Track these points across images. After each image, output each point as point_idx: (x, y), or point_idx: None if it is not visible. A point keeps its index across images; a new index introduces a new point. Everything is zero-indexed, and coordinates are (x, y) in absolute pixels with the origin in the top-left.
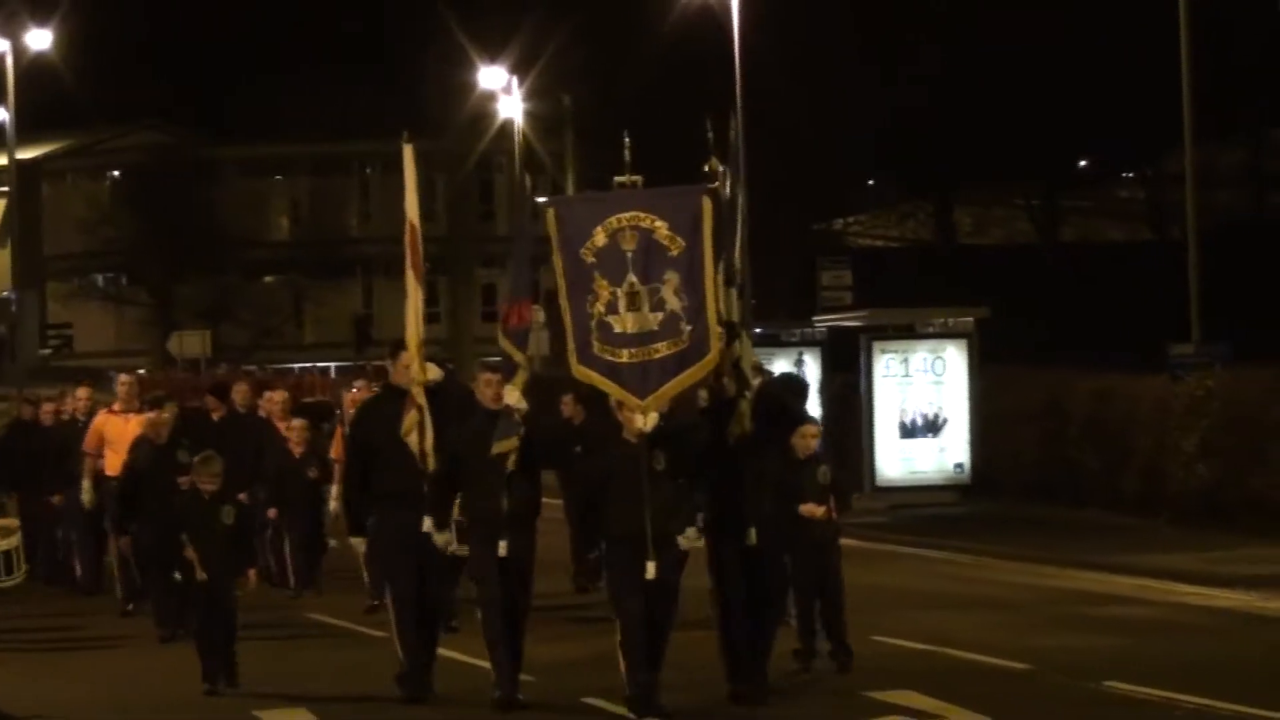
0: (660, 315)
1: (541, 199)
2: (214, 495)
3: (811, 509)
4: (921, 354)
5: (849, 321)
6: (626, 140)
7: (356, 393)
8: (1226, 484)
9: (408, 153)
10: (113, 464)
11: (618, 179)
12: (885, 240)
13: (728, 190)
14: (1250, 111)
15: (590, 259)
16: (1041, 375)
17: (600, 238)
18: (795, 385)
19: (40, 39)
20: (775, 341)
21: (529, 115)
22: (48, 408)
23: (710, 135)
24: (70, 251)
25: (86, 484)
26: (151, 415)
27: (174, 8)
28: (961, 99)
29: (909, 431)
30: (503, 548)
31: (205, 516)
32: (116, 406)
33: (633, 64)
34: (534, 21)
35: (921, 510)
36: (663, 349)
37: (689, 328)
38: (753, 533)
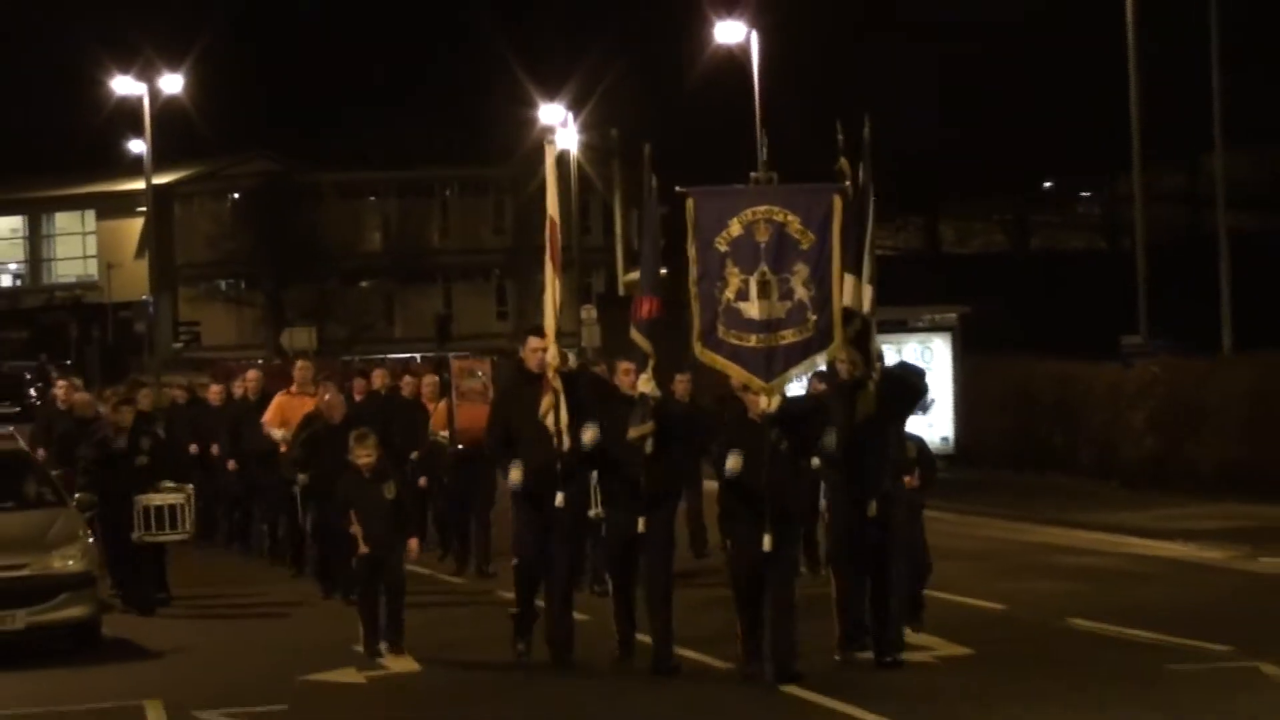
0: (788, 304)
1: (680, 189)
2: (374, 470)
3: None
4: (912, 345)
5: None
6: (763, 138)
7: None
8: (1169, 454)
9: (549, 152)
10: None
11: (754, 174)
12: (882, 249)
13: (861, 184)
14: (1188, 140)
15: (724, 248)
16: (1013, 364)
17: (735, 228)
18: (917, 370)
19: (172, 83)
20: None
21: (584, 145)
22: (215, 389)
23: (840, 138)
24: (198, 261)
25: (272, 430)
26: (329, 396)
27: (283, 58)
28: (949, 129)
29: None
30: (642, 524)
31: (368, 492)
32: (294, 389)
33: (671, 100)
34: (587, 66)
35: None
36: (789, 336)
37: (814, 317)
38: (874, 505)
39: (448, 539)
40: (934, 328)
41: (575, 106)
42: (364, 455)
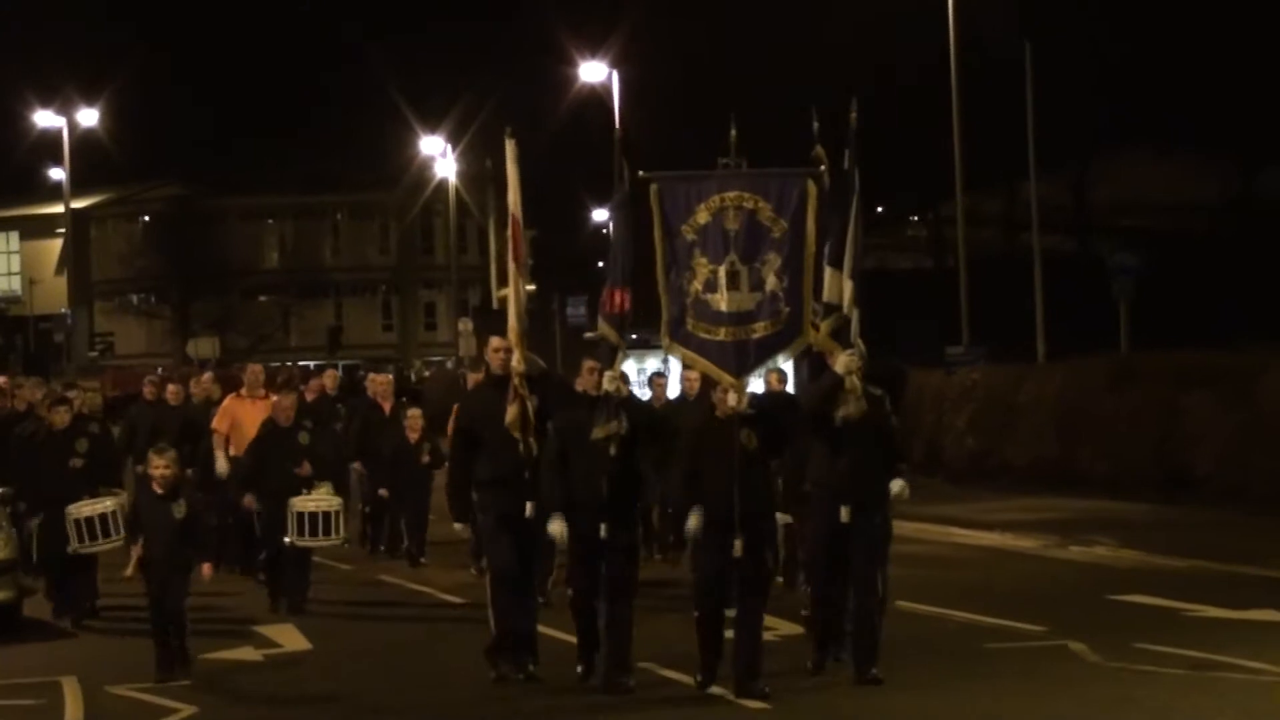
0: (759, 295)
1: (644, 174)
2: (167, 486)
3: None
4: None
5: None
6: (732, 120)
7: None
8: (988, 452)
9: (510, 148)
10: (238, 443)
11: (722, 159)
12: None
13: (844, 171)
14: (1005, 168)
15: (691, 236)
16: None
17: (703, 215)
18: (900, 372)
19: (88, 117)
20: (647, 345)
21: (460, 174)
22: (173, 388)
23: (815, 125)
24: (112, 278)
25: (220, 454)
26: (278, 399)
27: (191, 93)
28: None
29: None
30: (604, 530)
31: (156, 509)
32: (244, 392)
33: (540, 132)
34: (464, 103)
35: None
36: (760, 329)
37: (787, 309)
38: (845, 510)
39: (419, 543)
40: None
41: (453, 138)
42: (160, 468)
